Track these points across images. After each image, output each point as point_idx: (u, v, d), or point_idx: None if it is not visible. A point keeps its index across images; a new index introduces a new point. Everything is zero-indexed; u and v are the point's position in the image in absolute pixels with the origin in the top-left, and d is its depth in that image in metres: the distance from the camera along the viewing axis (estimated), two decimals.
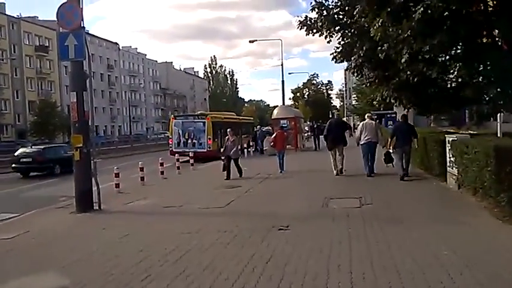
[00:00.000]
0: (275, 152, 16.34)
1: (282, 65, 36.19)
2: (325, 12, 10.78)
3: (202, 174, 16.25)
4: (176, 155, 18.34)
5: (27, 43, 57.58)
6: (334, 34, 11.30)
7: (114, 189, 12.17)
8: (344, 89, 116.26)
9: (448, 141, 9.32)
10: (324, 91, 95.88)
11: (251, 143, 27.09)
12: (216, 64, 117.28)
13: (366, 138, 11.92)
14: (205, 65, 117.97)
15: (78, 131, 9.30)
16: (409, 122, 13.15)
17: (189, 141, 23.90)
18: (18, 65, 56.00)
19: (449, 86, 10.37)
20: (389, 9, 8.13)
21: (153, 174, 16.01)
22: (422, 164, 11.57)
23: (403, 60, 8.77)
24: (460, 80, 8.69)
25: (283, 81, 36.12)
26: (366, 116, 12.75)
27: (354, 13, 9.26)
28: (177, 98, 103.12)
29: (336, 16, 10.74)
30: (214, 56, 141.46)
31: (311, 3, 11.41)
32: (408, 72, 9.43)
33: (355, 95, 68.00)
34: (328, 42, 11.43)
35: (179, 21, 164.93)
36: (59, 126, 49.81)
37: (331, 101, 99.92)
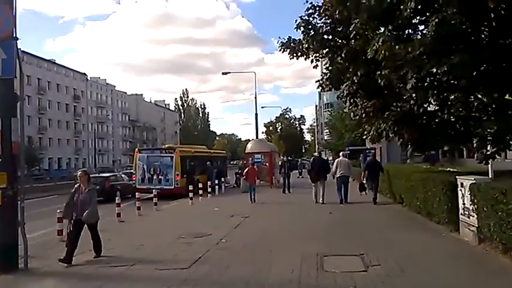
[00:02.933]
0: (247, 188, 17.52)
1: (255, 97, 35.01)
2: (312, 32, 9.26)
3: (167, 216, 14.12)
4: (136, 194, 16.07)
5: None
6: (321, 58, 9.79)
7: (57, 237, 9.96)
8: (315, 124, 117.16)
9: (462, 184, 7.75)
10: (297, 125, 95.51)
11: (223, 179, 25.07)
12: (187, 97, 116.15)
13: (340, 172, 14.28)
14: (176, 98, 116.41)
15: (1, 167, 7.20)
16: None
17: (155, 177, 21.71)
18: None
19: (454, 118, 8.97)
20: (395, 24, 6.62)
21: (109, 215, 13.80)
22: (426, 208, 9.94)
23: (409, 85, 7.24)
24: (476, 110, 7.18)
25: (256, 114, 34.79)
26: (340, 154, 15.81)
27: (350, 30, 7.73)
28: (147, 130, 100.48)
29: (324, 36, 9.23)
30: (186, 89, 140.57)
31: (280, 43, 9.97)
32: (412, 102, 7.88)
33: (327, 130, 67.74)
34: (314, 67, 9.94)
35: (153, 55, 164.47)
36: None
37: (304, 136, 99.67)
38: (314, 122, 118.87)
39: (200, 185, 19.26)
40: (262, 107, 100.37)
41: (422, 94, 7.58)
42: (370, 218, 11.44)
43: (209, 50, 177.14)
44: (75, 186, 7.92)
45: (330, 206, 14.00)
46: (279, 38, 9.83)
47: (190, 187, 17.79)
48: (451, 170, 13.42)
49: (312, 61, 9.84)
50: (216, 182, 22.70)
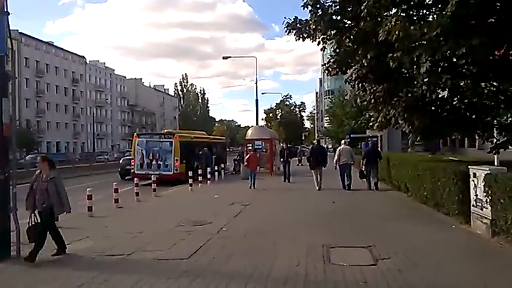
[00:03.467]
0: (247, 175, 17.73)
1: (256, 83, 34.39)
2: (320, 12, 8.76)
3: (166, 203, 13.80)
4: (135, 179, 15.73)
5: None
6: (328, 40, 9.34)
7: None
8: (315, 111, 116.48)
9: (474, 174, 7.40)
10: (298, 112, 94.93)
11: (223, 165, 24.70)
12: (187, 82, 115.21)
13: (343, 160, 14.80)
14: (176, 83, 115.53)
15: None
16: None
17: (154, 162, 21.33)
18: None
19: (464, 106, 8.56)
20: (412, 3, 6.18)
21: (106, 201, 13.50)
22: (433, 199, 9.60)
23: (422, 69, 6.83)
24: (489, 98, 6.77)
25: (257, 100, 34.19)
26: (341, 142, 16.46)
27: (361, 9, 7.26)
28: (146, 115, 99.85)
29: (333, 17, 8.75)
30: (185, 74, 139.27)
31: (285, 23, 9.44)
32: (424, 87, 7.46)
33: (327, 117, 67.19)
34: (322, 49, 9.48)
35: (153, 39, 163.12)
36: (16, 142, 45.77)
37: (304, 123, 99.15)
38: (314, 109, 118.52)
39: (200, 171, 18.92)
40: (263, 93, 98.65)
41: (435, 78, 7.16)
42: (374, 207, 11.14)
43: (209, 34, 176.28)
44: (36, 173, 6.99)
45: (332, 192, 14.26)
46: (284, 18, 9.36)
47: (190, 173, 17.44)
48: (453, 159, 13.12)
49: (318, 43, 9.36)
50: (216, 168, 22.37)
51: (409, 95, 8.23)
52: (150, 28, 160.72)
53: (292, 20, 9.50)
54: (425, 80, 7.23)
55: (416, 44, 6.69)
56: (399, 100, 8.37)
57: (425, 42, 6.44)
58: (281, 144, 28.25)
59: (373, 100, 8.35)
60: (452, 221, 8.42)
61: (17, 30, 59.88)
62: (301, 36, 9.49)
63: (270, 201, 13.01)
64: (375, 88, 8.64)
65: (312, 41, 9.32)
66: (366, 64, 8.08)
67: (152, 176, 16.40)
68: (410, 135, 26.12)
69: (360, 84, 8.85)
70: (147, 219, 10.40)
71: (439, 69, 7.15)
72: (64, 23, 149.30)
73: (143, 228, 8.99)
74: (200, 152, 23.08)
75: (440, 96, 8.83)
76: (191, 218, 9.97)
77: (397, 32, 6.47)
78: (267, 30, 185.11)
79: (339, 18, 8.76)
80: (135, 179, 15.66)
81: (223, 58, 36.58)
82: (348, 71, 9.76)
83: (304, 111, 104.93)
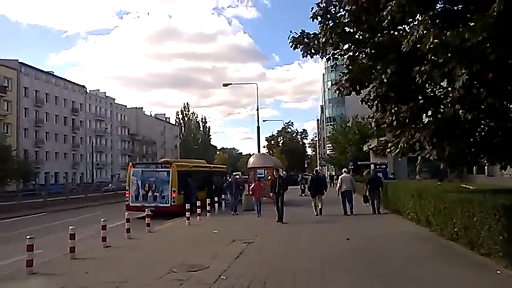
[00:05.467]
0: (250, 207, 18.85)
1: (257, 109, 33.59)
2: (331, 23, 7.70)
3: (160, 241, 12.39)
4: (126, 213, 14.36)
5: None
6: (341, 55, 8.24)
7: (25, 268, 8.32)
8: (317, 138, 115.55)
9: None
10: (299, 140, 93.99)
11: (223, 196, 23.27)
12: (188, 111, 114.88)
13: (344, 188, 16.16)
14: (177, 112, 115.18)
15: None
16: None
17: (150, 194, 19.96)
18: None
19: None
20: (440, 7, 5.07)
21: (97, 237, 12.13)
22: (467, 236, 8.25)
23: (458, 83, 5.66)
24: None
25: (258, 127, 33.17)
26: (343, 171, 18.15)
27: (383, 16, 6.16)
28: (147, 144, 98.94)
29: (346, 28, 7.67)
30: (187, 102, 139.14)
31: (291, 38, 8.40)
32: (457, 106, 6.28)
33: (329, 144, 66.12)
34: (332, 66, 8.39)
35: (155, 69, 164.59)
36: (13, 172, 44.68)
37: (306, 150, 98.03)
38: (315, 136, 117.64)
39: (198, 203, 17.57)
40: (264, 121, 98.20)
41: (472, 96, 6.00)
42: (396, 245, 9.75)
43: (210, 64, 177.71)
44: None
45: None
46: (290, 32, 8.31)
47: (187, 206, 16.11)
48: (468, 186, 11.86)
49: (328, 59, 8.28)
50: (216, 199, 21.01)
51: (439, 115, 7.04)
52: (151, 59, 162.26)
53: (299, 34, 8.41)
54: (460, 96, 6.05)
55: (451, 53, 5.55)
56: (429, 122, 7.14)
57: (465, 50, 5.28)
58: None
59: (395, 122, 7.14)
60: (495, 265, 7.07)
61: (17, 60, 59.79)
62: (308, 52, 8.39)
63: (275, 238, 11.64)
64: (395, 109, 7.42)
65: (322, 57, 8.23)
66: (385, 81, 6.93)
67: (146, 209, 14.99)
68: (418, 162, 25.03)
69: (380, 104, 7.65)
70: (134, 263, 9.03)
71: (476, 83, 6.00)
72: (68, 54, 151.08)
73: (128, 275, 7.65)
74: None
75: (469, 118, 7.62)
76: (185, 261, 8.64)
77: (430, 39, 5.35)
78: (268, 60, 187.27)
79: (352, 30, 7.67)
80: (127, 212, 14.30)
81: (224, 85, 35.79)
82: (362, 90, 8.61)
83: (306, 139, 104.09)
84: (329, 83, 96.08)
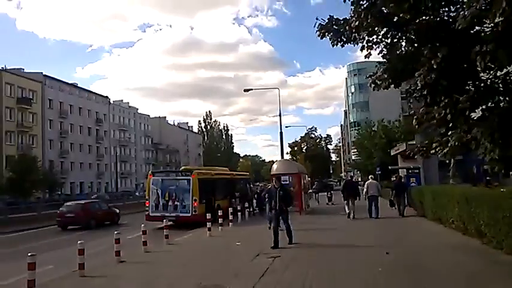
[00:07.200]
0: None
1: (280, 114, 32.63)
2: (366, 3, 6.61)
3: (178, 254, 11.44)
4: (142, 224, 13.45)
5: (9, 95, 53.81)
6: (375, 43, 7.14)
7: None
8: (341, 143, 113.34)
9: None
10: (324, 145, 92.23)
11: (247, 204, 22.23)
12: (210, 119, 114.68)
13: (370, 193, 17.21)
14: (200, 120, 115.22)
15: None
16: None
17: (170, 203, 19.17)
18: None
19: None
20: None
21: (107, 253, 11.29)
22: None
23: None
24: None
25: (281, 133, 32.14)
26: (369, 177, 19.27)
27: None
28: (170, 153, 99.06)
29: (383, 9, 6.56)
30: (209, 111, 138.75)
31: (318, 25, 7.37)
32: None
33: (354, 150, 64.24)
34: (366, 56, 7.27)
35: (177, 79, 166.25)
36: (39, 183, 44.90)
37: (330, 156, 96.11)
38: (339, 141, 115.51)
39: (220, 212, 16.57)
40: (287, 127, 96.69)
41: None
42: (448, 261, 8.44)
43: (232, 73, 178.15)
44: None
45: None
46: (316, 19, 7.26)
47: (209, 215, 15.15)
48: None
49: (362, 48, 7.18)
50: (239, 207, 20.01)
51: (503, 105, 5.84)
52: (174, 70, 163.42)
53: (327, 21, 7.34)
54: None
55: None
56: (489, 115, 5.91)
57: None
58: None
59: (449, 116, 5.94)
60: None
61: (41, 72, 60.60)
62: (338, 40, 7.32)
63: (304, 252, 10.52)
64: (446, 100, 6.18)
65: (354, 44, 7.12)
66: (435, 67, 5.77)
67: (165, 219, 14.07)
68: (451, 166, 23.38)
69: (430, 95, 6.43)
70: (149, 281, 8.10)
71: None
72: (93, 67, 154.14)
73: None
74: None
75: None
76: (205, 280, 7.64)
77: (503, 4, 4.18)
78: (289, 67, 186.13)
79: (390, 12, 6.55)
80: (144, 223, 13.41)
81: (245, 90, 35.07)
82: (403, 82, 7.47)
83: (331, 144, 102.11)
84: (352, 88, 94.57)
